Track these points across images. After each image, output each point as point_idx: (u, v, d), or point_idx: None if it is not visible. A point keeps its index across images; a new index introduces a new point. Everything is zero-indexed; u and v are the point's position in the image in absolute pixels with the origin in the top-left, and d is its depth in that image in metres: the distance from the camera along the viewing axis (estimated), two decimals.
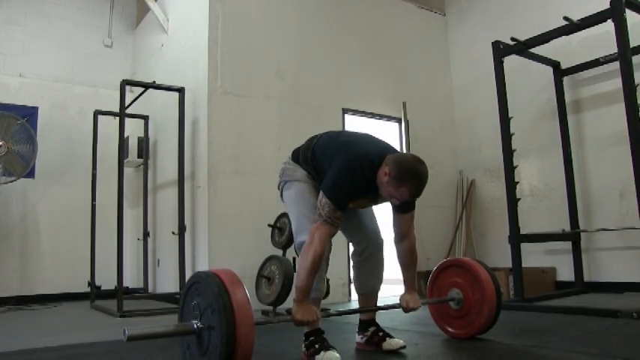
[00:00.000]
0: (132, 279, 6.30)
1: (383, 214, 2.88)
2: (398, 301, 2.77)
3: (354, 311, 2.90)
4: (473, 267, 2.97)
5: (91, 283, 5.57)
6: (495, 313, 2.90)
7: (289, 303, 4.33)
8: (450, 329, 3.06)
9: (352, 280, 2.87)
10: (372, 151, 2.48)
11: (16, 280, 5.83)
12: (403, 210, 2.64)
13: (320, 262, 2.36)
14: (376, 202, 2.68)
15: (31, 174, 5.75)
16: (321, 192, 2.43)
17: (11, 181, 5.41)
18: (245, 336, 1.94)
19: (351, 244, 2.85)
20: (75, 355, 2.93)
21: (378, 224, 2.84)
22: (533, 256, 5.38)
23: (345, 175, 2.41)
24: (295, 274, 2.52)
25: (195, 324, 2.06)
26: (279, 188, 2.81)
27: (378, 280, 2.81)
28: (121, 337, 1.89)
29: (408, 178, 2.32)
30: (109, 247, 5.25)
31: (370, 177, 2.42)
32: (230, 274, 2.10)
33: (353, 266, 2.83)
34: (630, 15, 4.19)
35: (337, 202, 2.37)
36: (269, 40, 5.36)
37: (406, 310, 2.74)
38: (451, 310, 3.03)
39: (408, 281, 2.77)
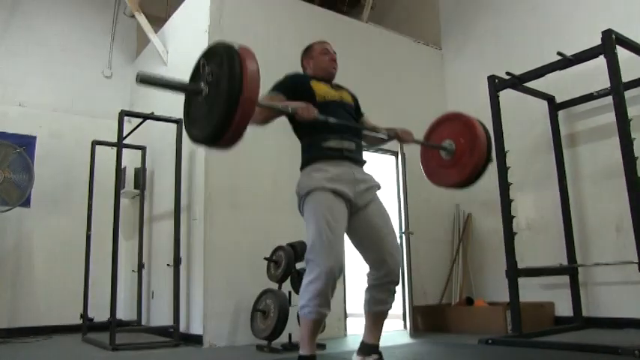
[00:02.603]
0: (125, 311, 6.22)
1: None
2: None
3: None
4: (463, 115, 3.14)
5: (84, 315, 5.49)
6: (487, 152, 2.99)
7: (284, 337, 4.30)
8: (446, 180, 3.13)
9: (364, 295, 2.73)
10: None
11: (7, 311, 5.74)
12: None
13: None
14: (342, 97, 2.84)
15: (26, 203, 5.73)
16: None
17: (6, 210, 5.39)
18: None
19: (367, 264, 2.71)
20: None
21: (399, 249, 2.75)
22: (531, 291, 5.32)
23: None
24: None
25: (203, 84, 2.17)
26: (299, 209, 2.69)
27: (391, 302, 2.72)
28: None
29: (312, 45, 3.02)
30: (103, 279, 5.19)
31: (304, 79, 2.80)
32: (248, 50, 2.19)
33: (368, 280, 2.71)
34: (622, 50, 4.26)
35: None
36: (266, 73, 5.34)
37: (402, 138, 2.86)
38: (444, 161, 3.10)
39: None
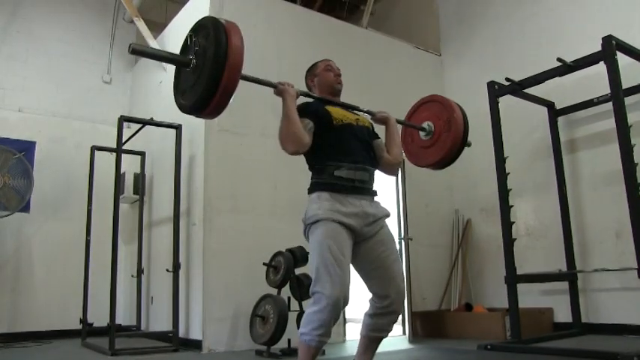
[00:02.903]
0: (125, 316, 6.21)
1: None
2: None
3: None
4: (441, 98, 3.27)
5: (83, 320, 5.48)
6: (464, 132, 3.10)
7: (283, 343, 4.29)
8: (427, 161, 3.24)
9: (364, 319, 2.67)
10: None
11: (7, 316, 5.73)
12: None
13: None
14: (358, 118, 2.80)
15: (26, 208, 5.73)
16: None
17: (6, 215, 5.39)
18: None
19: (370, 292, 2.64)
20: None
21: (403, 277, 2.67)
22: (530, 297, 5.33)
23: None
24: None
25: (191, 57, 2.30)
26: (305, 235, 2.63)
27: (391, 329, 2.69)
28: None
29: (316, 63, 2.93)
30: (103, 284, 5.18)
31: (318, 104, 2.71)
32: (233, 23, 2.35)
33: (371, 307, 2.64)
34: (622, 56, 4.27)
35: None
36: (266, 78, 5.39)
37: (378, 117, 2.90)
38: (423, 142, 3.23)
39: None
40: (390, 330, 2.67)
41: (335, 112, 2.68)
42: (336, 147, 2.58)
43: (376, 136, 2.83)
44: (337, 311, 2.36)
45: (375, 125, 2.90)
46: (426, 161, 3.23)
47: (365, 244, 2.58)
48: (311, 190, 2.62)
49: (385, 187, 5.97)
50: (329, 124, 2.61)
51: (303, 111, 2.60)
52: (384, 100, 6.26)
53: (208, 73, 2.19)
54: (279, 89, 2.61)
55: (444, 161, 3.16)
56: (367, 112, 2.91)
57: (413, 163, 3.31)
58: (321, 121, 2.61)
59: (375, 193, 2.69)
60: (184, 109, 2.38)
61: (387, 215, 2.70)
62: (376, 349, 2.72)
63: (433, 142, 3.17)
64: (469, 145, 3.15)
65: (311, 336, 2.39)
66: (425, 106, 3.30)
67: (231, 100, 2.25)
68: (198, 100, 2.26)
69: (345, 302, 2.41)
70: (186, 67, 2.32)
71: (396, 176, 2.92)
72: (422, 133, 3.21)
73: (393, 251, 2.65)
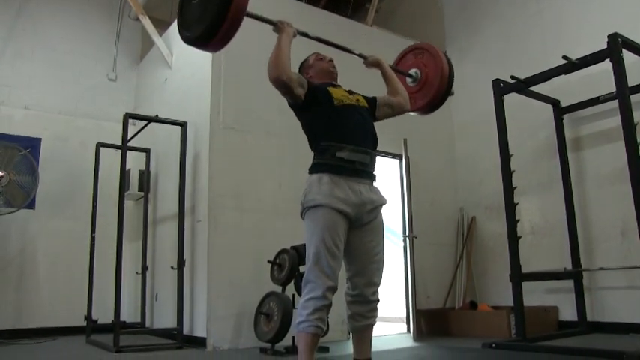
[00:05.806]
0: (129, 313, 6.23)
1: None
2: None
3: None
4: (428, 46, 3.48)
5: (88, 317, 5.49)
6: (449, 80, 3.27)
7: (288, 340, 4.30)
8: (415, 105, 3.38)
9: (346, 311, 2.67)
10: None
11: (11, 312, 5.75)
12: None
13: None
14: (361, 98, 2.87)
15: (31, 205, 5.73)
16: None
17: (11, 212, 5.40)
18: None
19: (347, 274, 2.66)
20: None
21: (382, 271, 2.67)
22: (535, 295, 5.32)
23: None
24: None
25: None
26: (301, 216, 2.63)
27: (373, 317, 2.66)
28: None
29: (306, 58, 3.07)
30: (107, 281, 5.20)
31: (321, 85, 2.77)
32: None
33: (347, 295, 2.66)
34: (628, 54, 4.25)
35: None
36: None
37: (370, 61, 3.25)
38: (410, 87, 3.37)
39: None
40: (372, 317, 2.65)
41: (336, 93, 2.71)
42: (338, 128, 2.60)
43: (374, 100, 2.97)
44: (329, 298, 2.43)
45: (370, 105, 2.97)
46: (414, 106, 3.37)
47: (357, 230, 2.59)
48: (312, 171, 2.62)
49: (390, 185, 6.00)
50: (329, 104, 2.64)
51: (307, 82, 2.68)
52: None
53: (217, 1, 2.37)
54: (277, 27, 2.81)
55: (429, 106, 3.33)
56: (359, 55, 3.19)
57: (410, 111, 3.41)
58: (322, 100, 2.65)
59: (374, 178, 2.69)
60: (190, 41, 2.56)
61: (384, 203, 2.71)
62: (369, 339, 2.69)
63: (420, 87, 3.34)
64: (452, 93, 3.33)
65: (308, 321, 2.39)
66: (411, 53, 3.50)
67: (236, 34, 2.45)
68: (206, 29, 2.44)
69: (335, 290, 2.46)
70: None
71: (409, 106, 3.17)
72: (409, 80, 3.38)
73: (379, 242, 2.68)
